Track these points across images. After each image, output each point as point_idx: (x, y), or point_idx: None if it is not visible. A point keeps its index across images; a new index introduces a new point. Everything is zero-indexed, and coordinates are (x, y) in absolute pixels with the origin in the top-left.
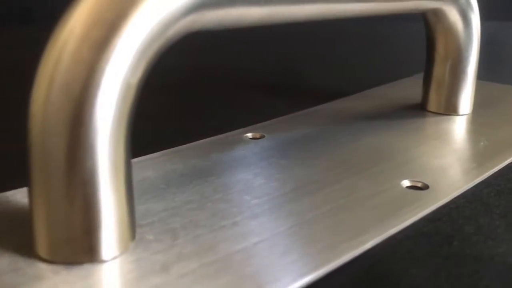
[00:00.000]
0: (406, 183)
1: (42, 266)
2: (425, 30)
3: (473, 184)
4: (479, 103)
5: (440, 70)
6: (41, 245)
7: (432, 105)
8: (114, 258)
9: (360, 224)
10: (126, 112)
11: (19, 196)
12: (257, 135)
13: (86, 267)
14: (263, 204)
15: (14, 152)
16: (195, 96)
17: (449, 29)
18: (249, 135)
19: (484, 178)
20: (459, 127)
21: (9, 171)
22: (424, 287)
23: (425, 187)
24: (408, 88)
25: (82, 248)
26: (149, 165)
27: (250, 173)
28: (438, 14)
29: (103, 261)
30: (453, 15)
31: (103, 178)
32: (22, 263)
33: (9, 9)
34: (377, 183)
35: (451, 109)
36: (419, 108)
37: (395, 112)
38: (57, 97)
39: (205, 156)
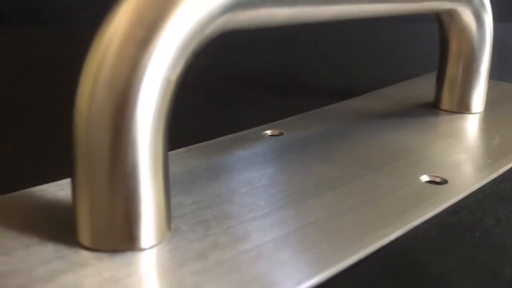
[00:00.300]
0: (425, 178)
1: (86, 254)
2: (438, 30)
3: (490, 179)
4: (491, 102)
5: (453, 69)
6: (84, 234)
7: (445, 103)
8: (153, 246)
9: (384, 216)
10: (165, 108)
11: (53, 189)
12: (276, 132)
13: (127, 255)
14: (288, 198)
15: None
16: (211, 95)
17: (463, 29)
18: (268, 132)
19: (500, 174)
20: (472, 125)
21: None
22: (450, 274)
23: (443, 181)
24: (419, 87)
25: (123, 237)
26: (175, 161)
27: (273, 168)
28: (452, 14)
29: (142, 250)
30: (467, 15)
31: (143, 171)
32: (66, 251)
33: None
34: (397, 179)
35: (464, 107)
36: (432, 107)
37: (408, 110)
38: (102, 93)
39: (227, 152)
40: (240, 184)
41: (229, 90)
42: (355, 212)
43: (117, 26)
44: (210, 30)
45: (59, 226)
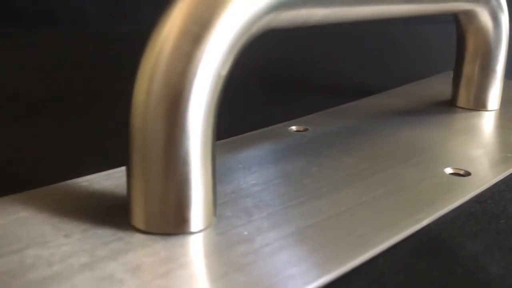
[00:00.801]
0: (449, 170)
1: (141, 236)
2: (456, 29)
3: (511, 172)
4: (506, 100)
5: (470, 67)
6: (138, 218)
7: (462, 101)
8: (202, 230)
9: (414, 204)
10: (215, 100)
11: (99, 179)
12: (301, 128)
13: (179, 237)
14: (322, 188)
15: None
16: (236, 93)
17: (480, 29)
18: (294, 128)
19: None
20: (488, 121)
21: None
22: (480, 257)
23: (467, 174)
24: (434, 86)
25: (175, 221)
26: None
27: (303, 161)
28: (469, 15)
29: (192, 233)
30: (484, 16)
31: (195, 159)
32: (121, 233)
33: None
34: (421, 171)
35: (480, 105)
36: (449, 104)
37: (426, 108)
38: (158, 87)
39: (256, 147)
40: (274, 176)
41: (251, 88)
42: (386, 201)
43: (173, 24)
44: (256, 28)
45: (110, 212)
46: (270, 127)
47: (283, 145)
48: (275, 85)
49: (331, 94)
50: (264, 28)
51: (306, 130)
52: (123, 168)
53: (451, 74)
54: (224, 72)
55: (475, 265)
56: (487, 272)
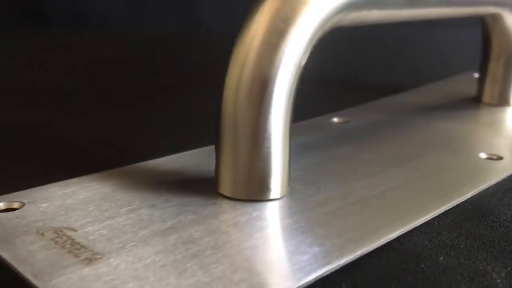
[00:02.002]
0: (483, 155)
1: (230, 202)
2: (482, 31)
3: None
4: None
5: (495, 66)
6: (226, 186)
7: (487, 97)
8: (280, 198)
9: (457, 181)
10: (295, 86)
11: (178, 159)
12: (342, 120)
13: (262, 203)
14: (374, 168)
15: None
16: None
17: (505, 31)
18: (335, 119)
19: None
20: None
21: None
22: None
23: (499, 158)
24: (459, 84)
25: (258, 189)
26: None
27: (350, 147)
28: (496, 18)
29: (272, 200)
30: (510, 19)
31: (277, 136)
32: (213, 199)
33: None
34: (459, 156)
35: (504, 101)
36: (475, 101)
37: (454, 103)
38: (249, 74)
39: (305, 135)
40: (328, 158)
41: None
42: (433, 178)
43: (261, 21)
44: (328, 25)
45: (197, 184)
46: (312, 119)
47: (328, 134)
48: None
49: (366, 90)
50: (334, 26)
51: (347, 122)
52: (191, 151)
53: (471, 74)
54: (303, 62)
55: None
56: None
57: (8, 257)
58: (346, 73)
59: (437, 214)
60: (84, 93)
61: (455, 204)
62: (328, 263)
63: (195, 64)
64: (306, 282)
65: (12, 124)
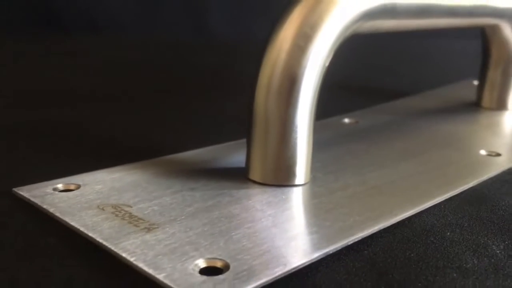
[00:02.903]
0: (483, 152)
1: (260, 186)
2: (481, 40)
3: None
4: None
5: (493, 73)
6: (256, 172)
7: (486, 102)
8: (304, 184)
9: (460, 173)
10: (318, 85)
11: (209, 151)
12: (353, 121)
13: (289, 187)
14: (385, 161)
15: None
16: None
17: (503, 41)
18: (346, 120)
19: None
20: (510, 118)
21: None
22: None
23: (497, 155)
24: (459, 90)
25: (285, 175)
26: None
27: (362, 144)
28: (495, 29)
29: (297, 185)
30: (508, 30)
31: (303, 129)
32: (245, 184)
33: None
34: (462, 152)
35: (502, 105)
36: (475, 105)
37: (456, 107)
38: (279, 73)
39: (322, 133)
40: (343, 153)
41: None
42: (439, 171)
43: (290, 26)
44: (349, 32)
45: (229, 172)
46: (326, 120)
47: (340, 133)
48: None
49: (372, 95)
50: (353, 32)
51: (357, 122)
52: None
53: (471, 81)
54: (327, 63)
55: None
56: None
57: (78, 225)
58: (355, 78)
59: (443, 199)
60: (113, 93)
61: (458, 192)
62: (352, 235)
63: (205, 68)
64: (334, 248)
65: (58, 121)
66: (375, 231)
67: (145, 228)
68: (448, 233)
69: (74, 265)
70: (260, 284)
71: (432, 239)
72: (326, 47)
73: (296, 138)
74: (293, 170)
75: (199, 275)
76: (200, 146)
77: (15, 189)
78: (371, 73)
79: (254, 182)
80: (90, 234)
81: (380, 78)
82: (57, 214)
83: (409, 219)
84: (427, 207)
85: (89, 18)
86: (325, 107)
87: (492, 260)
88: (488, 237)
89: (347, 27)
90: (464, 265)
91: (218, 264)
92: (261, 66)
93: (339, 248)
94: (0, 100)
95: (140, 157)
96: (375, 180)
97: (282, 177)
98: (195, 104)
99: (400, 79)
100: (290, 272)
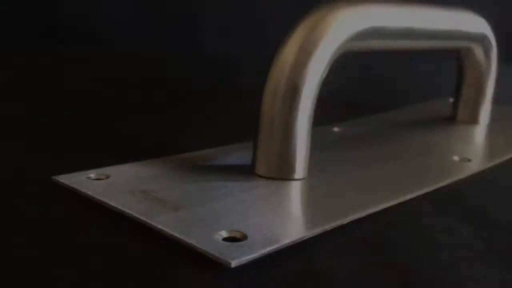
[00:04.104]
0: (456, 158)
1: (265, 179)
2: (456, 62)
3: (502, 160)
4: (494, 118)
5: (467, 91)
6: (261, 167)
7: (460, 116)
8: (302, 178)
9: (437, 174)
10: (317, 93)
11: (220, 151)
12: (341, 129)
13: (290, 181)
14: (371, 163)
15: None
16: None
17: (475, 62)
18: (335, 129)
19: (507, 158)
20: (481, 131)
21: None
22: (487, 199)
23: (469, 160)
24: (437, 106)
25: (288, 170)
26: None
27: (351, 149)
28: (468, 51)
29: (298, 179)
30: (479, 52)
31: (303, 130)
32: (252, 177)
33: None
34: (437, 158)
35: (474, 119)
36: (450, 119)
37: (433, 121)
38: (283, 83)
39: (313, 138)
40: (334, 154)
41: None
42: (417, 171)
43: (293, 44)
44: (343, 50)
45: (239, 168)
46: (318, 127)
47: (331, 139)
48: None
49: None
50: (347, 50)
51: (344, 131)
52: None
53: (447, 98)
54: (324, 75)
55: (484, 202)
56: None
57: (117, 205)
58: (344, 93)
59: (420, 193)
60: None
61: (433, 189)
62: (345, 217)
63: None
64: (330, 226)
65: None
66: (362, 216)
67: (173, 208)
68: (424, 219)
69: (114, 241)
70: (272, 249)
71: (412, 223)
72: (324, 62)
73: (296, 139)
74: (294, 166)
75: (223, 241)
76: (212, 146)
77: (54, 177)
78: (359, 89)
79: (260, 176)
80: (129, 211)
81: (367, 93)
82: (96, 196)
83: (391, 207)
84: (407, 199)
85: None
86: (318, 117)
87: (460, 239)
88: (457, 223)
89: (342, 45)
90: (437, 241)
91: (238, 235)
92: (268, 76)
93: (335, 226)
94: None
95: (159, 154)
96: (363, 177)
97: (284, 172)
98: (207, 109)
99: (383, 95)
100: (296, 242)
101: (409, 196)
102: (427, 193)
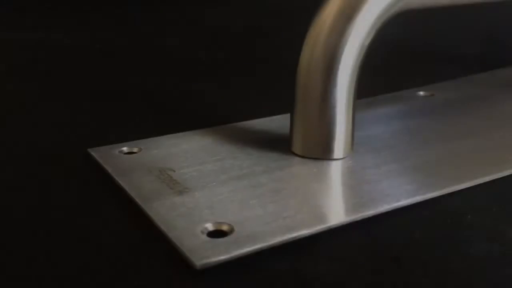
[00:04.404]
0: None
1: (301, 159)
2: None
3: None
4: None
5: None
6: (298, 146)
7: None
8: (343, 158)
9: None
10: (359, 63)
11: (264, 122)
12: (428, 94)
13: (327, 161)
14: (439, 139)
15: None
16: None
17: None
18: (421, 93)
19: None
20: None
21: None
22: None
23: None
24: None
25: (325, 149)
26: None
27: (426, 120)
28: None
29: (336, 159)
30: None
31: (341, 105)
32: (288, 156)
33: None
34: None
35: None
36: None
37: None
38: (319, 53)
39: (391, 106)
40: (401, 128)
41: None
42: (493, 151)
43: (331, 8)
44: (393, 11)
45: (275, 143)
46: (400, 92)
47: (410, 107)
48: (405, 57)
49: (465, 64)
50: (398, 11)
51: (432, 95)
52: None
53: None
54: (367, 43)
55: None
56: None
57: (124, 185)
58: (448, 47)
59: (480, 182)
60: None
61: (503, 175)
62: (360, 212)
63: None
64: (339, 223)
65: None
66: (388, 210)
67: (178, 191)
68: (468, 217)
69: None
70: (254, 250)
71: (449, 221)
72: (366, 27)
73: (334, 115)
74: (331, 145)
75: (204, 236)
76: (256, 117)
77: (89, 150)
78: (468, 40)
79: (295, 154)
80: (131, 193)
81: (477, 46)
82: (113, 174)
83: (434, 200)
84: (459, 189)
85: None
86: (399, 78)
87: (503, 247)
88: (509, 225)
89: (390, 7)
90: (470, 250)
91: (224, 227)
92: (303, 45)
93: (346, 223)
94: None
95: (204, 124)
96: (416, 159)
97: (320, 151)
98: (262, 75)
99: (499, 48)
100: (287, 241)
101: (461, 186)
102: (493, 180)
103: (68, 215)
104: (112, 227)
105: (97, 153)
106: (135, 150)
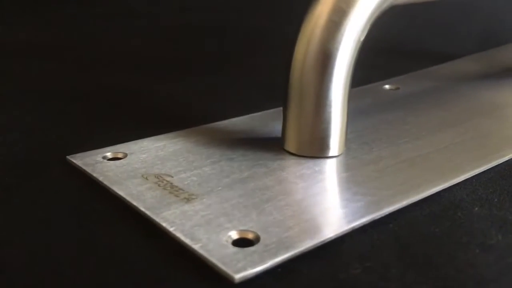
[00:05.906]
0: None
1: (295, 157)
2: None
3: None
4: None
5: None
6: (291, 144)
7: None
8: (337, 156)
9: (496, 145)
10: (354, 59)
11: (247, 120)
12: (393, 87)
13: (322, 159)
14: (420, 132)
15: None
16: None
17: None
18: (387, 86)
19: None
20: None
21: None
22: None
23: None
24: (507, 53)
25: (319, 147)
26: None
27: (400, 112)
28: None
29: (331, 157)
30: None
31: (337, 102)
32: (281, 155)
33: None
34: (502, 123)
35: None
36: None
37: (502, 72)
38: (314, 48)
39: (360, 100)
40: (380, 122)
41: None
42: (474, 142)
43: (325, 3)
44: (385, 5)
45: (266, 142)
46: (366, 86)
47: (379, 100)
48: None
49: (421, 58)
50: (390, 6)
51: (397, 88)
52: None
53: None
54: (362, 38)
55: None
56: None
57: (124, 194)
58: (406, 41)
59: (476, 173)
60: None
61: (493, 165)
62: (380, 209)
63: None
64: (361, 223)
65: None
66: (403, 206)
67: (185, 198)
68: (476, 208)
69: (117, 230)
70: (288, 257)
71: (460, 214)
72: (361, 22)
73: (330, 111)
74: (327, 142)
75: (231, 246)
76: (241, 114)
77: (69, 157)
78: (424, 35)
79: (289, 153)
80: (135, 203)
81: (432, 39)
82: (106, 183)
83: (438, 193)
84: (459, 181)
85: None
86: (369, 72)
87: None
88: None
89: (384, 0)
90: (488, 241)
91: (250, 236)
92: (297, 40)
93: (367, 223)
94: (53, 65)
95: (183, 125)
96: (408, 152)
97: (316, 149)
98: (234, 72)
99: (452, 41)
100: (317, 245)
101: (461, 178)
102: (484, 171)
103: (70, 230)
104: (124, 241)
105: (79, 160)
106: (119, 155)
